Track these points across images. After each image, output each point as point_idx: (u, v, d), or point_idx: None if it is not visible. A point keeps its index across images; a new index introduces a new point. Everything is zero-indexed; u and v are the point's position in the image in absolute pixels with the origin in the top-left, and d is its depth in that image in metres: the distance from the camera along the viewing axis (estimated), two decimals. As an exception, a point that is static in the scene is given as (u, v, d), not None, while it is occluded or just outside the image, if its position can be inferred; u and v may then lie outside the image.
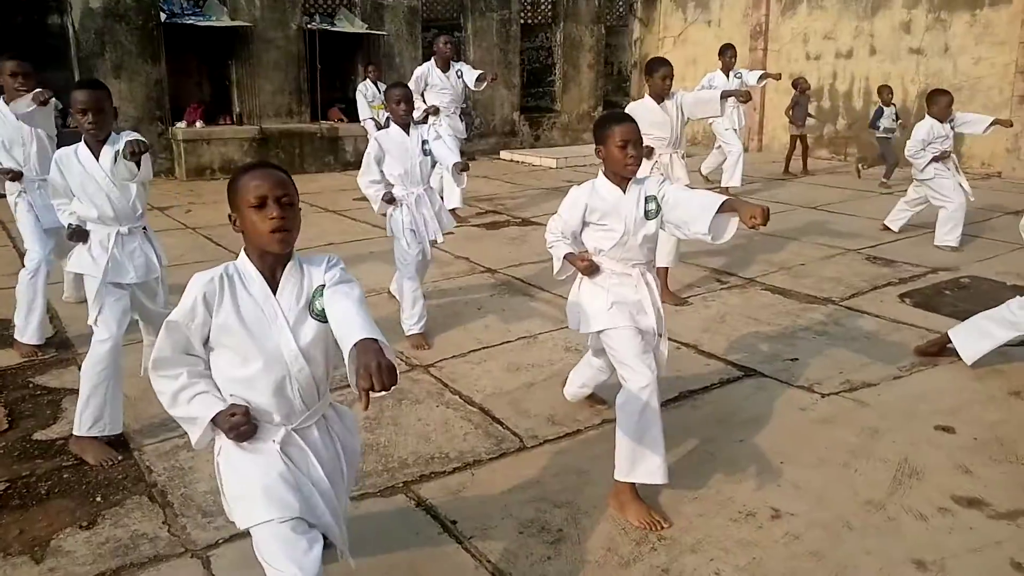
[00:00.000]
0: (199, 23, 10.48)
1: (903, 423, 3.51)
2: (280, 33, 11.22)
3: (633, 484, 2.80)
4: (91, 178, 3.30)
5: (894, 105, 10.08)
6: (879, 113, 10.05)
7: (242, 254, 2.01)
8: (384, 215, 4.66)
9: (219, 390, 1.99)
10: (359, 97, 10.35)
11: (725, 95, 5.20)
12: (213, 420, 1.94)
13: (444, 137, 4.86)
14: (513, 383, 3.99)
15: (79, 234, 3.35)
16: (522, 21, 13.78)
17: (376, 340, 1.66)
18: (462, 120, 8.20)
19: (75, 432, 3.25)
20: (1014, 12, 10.18)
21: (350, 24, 11.72)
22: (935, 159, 6.62)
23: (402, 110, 4.53)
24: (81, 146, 3.31)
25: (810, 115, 10.95)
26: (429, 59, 8.02)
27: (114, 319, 3.29)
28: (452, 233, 5.16)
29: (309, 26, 11.35)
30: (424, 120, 7.40)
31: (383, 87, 9.16)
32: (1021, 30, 10.06)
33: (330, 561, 2.14)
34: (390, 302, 5.10)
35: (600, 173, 2.97)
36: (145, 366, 3.40)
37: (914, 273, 5.96)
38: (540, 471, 3.13)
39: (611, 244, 2.91)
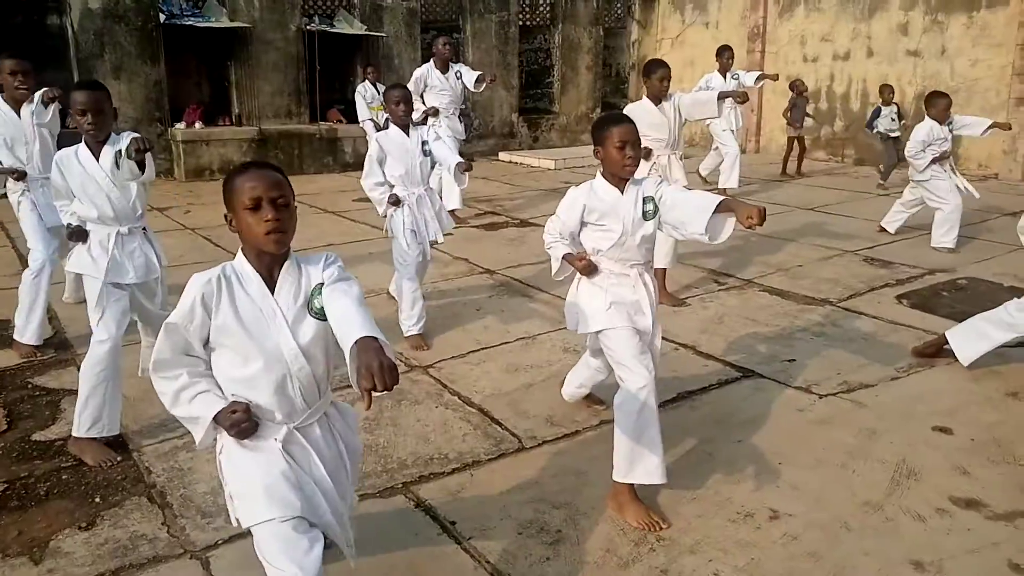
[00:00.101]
0: (198, 24, 10.48)
1: (901, 424, 3.52)
2: (279, 34, 11.22)
3: (632, 485, 2.81)
4: (91, 179, 3.30)
5: (895, 104, 10.06)
6: (876, 113, 10.06)
7: (239, 254, 2.01)
8: (386, 216, 4.67)
9: (220, 389, 1.99)
10: (358, 98, 10.40)
11: (722, 96, 5.21)
12: (214, 418, 1.94)
13: (444, 138, 4.87)
14: (512, 384, 3.99)
15: (78, 234, 3.35)
16: (520, 23, 13.80)
17: (376, 338, 1.67)
18: (461, 121, 8.20)
19: (74, 433, 3.25)
20: (1011, 14, 10.21)
21: (349, 25, 11.72)
22: (934, 160, 6.65)
23: (401, 111, 4.54)
24: (81, 147, 3.32)
25: (809, 115, 10.97)
26: (428, 60, 8.02)
27: (113, 320, 3.29)
28: (451, 234, 5.18)
29: (308, 27, 11.35)
30: (423, 121, 7.39)
31: (382, 88, 9.18)
32: (1018, 32, 10.08)
33: (330, 561, 2.14)
34: (389, 303, 5.10)
35: (598, 174, 2.98)
36: (144, 367, 3.41)
37: (911, 274, 5.97)
38: (539, 472, 3.14)
39: (609, 244, 2.92)
